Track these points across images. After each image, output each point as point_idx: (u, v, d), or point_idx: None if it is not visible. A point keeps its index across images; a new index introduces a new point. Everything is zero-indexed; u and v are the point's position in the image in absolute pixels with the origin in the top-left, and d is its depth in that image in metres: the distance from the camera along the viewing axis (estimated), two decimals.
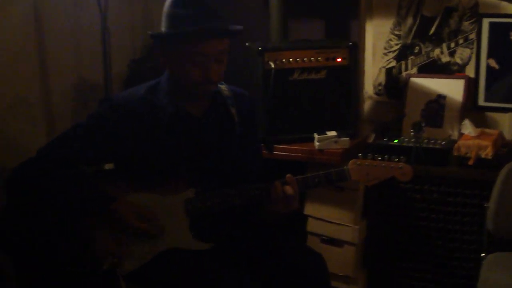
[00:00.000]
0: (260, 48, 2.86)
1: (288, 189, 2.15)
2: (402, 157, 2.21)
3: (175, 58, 2.12)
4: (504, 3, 2.96)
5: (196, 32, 2.06)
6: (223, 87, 2.28)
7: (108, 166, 2.33)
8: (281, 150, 2.89)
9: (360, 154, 2.21)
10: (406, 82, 3.17)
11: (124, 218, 2.07)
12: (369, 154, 2.21)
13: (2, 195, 2.23)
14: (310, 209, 2.99)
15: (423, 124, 2.84)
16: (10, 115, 2.69)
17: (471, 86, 3.03)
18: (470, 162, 2.68)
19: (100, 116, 2.17)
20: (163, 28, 2.13)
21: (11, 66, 2.67)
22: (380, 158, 2.21)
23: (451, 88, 3.06)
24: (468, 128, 2.81)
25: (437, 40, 3.12)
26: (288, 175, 2.19)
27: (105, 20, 2.84)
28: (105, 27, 2.84)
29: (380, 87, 3.29)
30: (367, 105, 3.32)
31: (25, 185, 2.11)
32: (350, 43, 2.95)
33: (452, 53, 3.11)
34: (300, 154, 2.88)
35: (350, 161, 2.21)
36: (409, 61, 3.21)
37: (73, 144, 2.13)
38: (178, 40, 2.09)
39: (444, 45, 3.11)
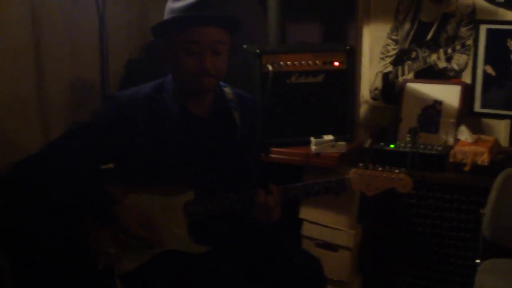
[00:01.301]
0: (258, 51, 2.86)
1: (270, 200, 2.13)
2: (403, 168, 2.20)
3: (172, 50, 2.12)
4: (502, 10, 2.97)
5: (187, 18, 2.07)
6: (227, 89, 2.28)
7: (106, 166, 2.31)
8: (278, 153, 2.89)
9: (361, 164, 2.21)
10: (403, 87, 3.17)
11: (126, 224, 2.07)
12: (370, 164, 2.21)
13: None
14: (305, 213, 2.99)
15: (419, 130, 2.85)
16: (5, 113, 2.66)
17: (467, 92, 3.04)
18: (467, 168, 2.69)
19: (105, 114, 2.17)
20: None
21: (7, 64, 2.65)
22: (381, 168, 2.20)
23: (448, 94, 3.06)
24: (464, 134, 2.82)
25: (434, 46, 3.13)
26: (271, 185, 2.17)
27: (103, 20, 2.82)
28: (103, 26, 2.83)
29: (376, 92, 3.29)
30: (363, 109, 3.32)
31: (27, 181, 2.10)
32: (348, 47, 2.96)
33: (449, 59, 3.12)
34: (297, 158, 2.87)
35: (352, 170, 2.20)
36: (406, 66, 3.21)
37: (76, 143, 2.12)
38: (172, 29, 2.10)
39: (441, 51, 3.12)
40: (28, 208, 2.14)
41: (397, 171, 2.19)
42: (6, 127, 2.67)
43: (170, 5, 2.15)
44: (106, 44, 2.86)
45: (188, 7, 2.09)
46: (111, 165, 2.26)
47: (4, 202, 2.18)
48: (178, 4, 2.12)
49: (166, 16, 2.15)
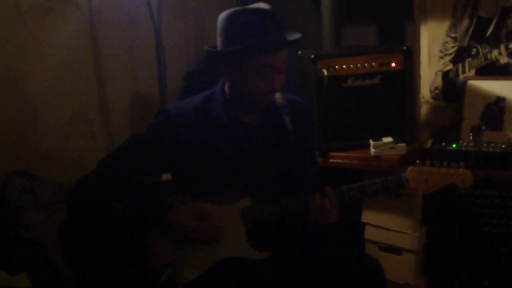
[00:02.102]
0: (312, 56, 2.86)
1: (326, 203, 2.13)
2: (461, 163, 2.16)
3: (240, 71, 2.12)
4: None
5: (262, 47, 2.07)
6: (276, 95, 2.29)
7: (166, 177, 2.37)
8: (337, 158, 2.88)
9: (418, 161, 2.17)
10: (464, 85, 3.11)
11: (181, 221, 2.11)
12: (427, 161, 2.17)
13: (64, 208, 2.29)
14: (367, 216, 2.97)
15: (483, 128, 2.78)
16: (70, 130, 2.76)
17: None
18: None
19: (157, 126, 2.21)
20: (220, 43, 2.13)
21: (70, 83, 2.75)
22: (438, 164, 2.16)
23: (511, 90, 2.98)
24: None
25: (494, 41, 3.05)
26: (327, 188, 2.16)
27: (159, 35, 2.89)
28: (159, 41, 2.89)
29: (437, 91, 3.24)
30: (424, 109, 3.27)
31: (87, 196, 2.17)
32: (405, 48, 2.92)
33: (510, 54, 3.04)
34: (356, 161, 2.86)
35: (408, 168, 2.17)
36: (466, 64, 3.15)
37: (131, 155, 2.18)
38: (244, 55, 2.08)
39: (502, 46, 3.04)
40: (91, 223, 2.21)
41: (455, 166, 2.15)
42: (72, 144, 2.77)
43: (228, 24, 2.08)
44: (163, 58, 2.92)
45: (261, 31, 2.05)
46: (169, 177, 2.31)
47: (70, 219, 2.26)
48: (245, 22, 2.06)
49: (223, 34, 2.10)
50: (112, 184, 2.15)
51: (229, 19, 2.10)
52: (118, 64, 2.98)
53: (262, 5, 2.11)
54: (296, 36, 2.15)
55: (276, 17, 2.09)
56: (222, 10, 2.14)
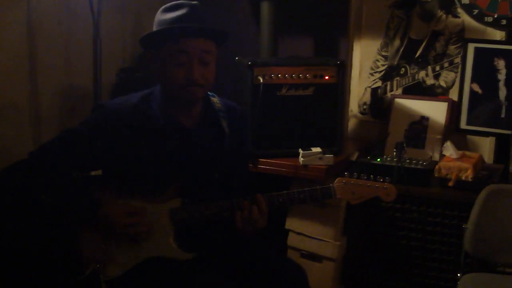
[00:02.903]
0: (249, 63, 2.90)
1: (254, 210, 2.15)
2: (387, 177, 2.24)
3: (160, 60, 2.16)
4: (490, 29, 3.03)
5: (175, 29, 2.11)
6: (215, 99, 2.31)
7: (95, 173, 2.35)
8: (266, 164, 2.93)
9: (346, 173, 2.24)
10: (391, 102, 3.22)
11: (111, 217, 2.09)
12: (355, 173, 2.24)
13: None
14: (291, 223, 3.02)
15: (405, 145, 2.89)
16: None
17: (454, 109, 3.09)
18: (451, 184, 2.73)
19: (93, 122, 2.19)
20: None
21: (1, 71, 2.68)
22: (365, 177, 2.23)
23: (435, 110, 3.12)
24: (449, 150, 2.86)
25: (423, 63, 3.19)
26: (257, 195, 2.18)
27: (98, 28, 2.86)
28: (98, 34, 2.86)
29: (365, 106, 3.34)
30: (351, 123, 3.37)
31: (14, 187, 2.12)
32: (339, 62, 3.00)
33: (437, 76, 3.17)
34: (285, 169, 2.91)
35: (336, 179, 2.23)
36: (395, 82, 3.27)
37: (65, 150, 2.14)
38: (161, 40, 2.14)
39: (430, 68, 3.18)
40: (18, 213, 2.16)
41: (381, 180, 2.23)
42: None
43: (159, 17, 2.19)
44: (100, 52, 2.89)
45: (177, 19, 2.13)
46: (99, 172, 2.29)
47: None
48: (167, 16, 2.16)
49: (155, 27, 2.19)
50: (42, 177, 2.10)
51: (158, 13, 2.20)
52: (52, 55, 2.92)
53: (190, 1, 2.18)
54: (211, 26, 2.16)
55: (198, 10, 2.16)
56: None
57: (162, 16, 2.18)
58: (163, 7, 2.20)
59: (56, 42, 2.95)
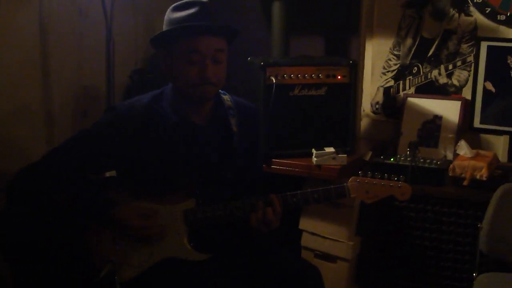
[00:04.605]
0: (262, 63, 2.90)
1: (269, 212, 2.14)
2: (402, 176, 2.23)
3: (173, 60, 2.16)
4: (503, 28, 3.02)
5: (187, 28, 2.11)
6: (226, 97, 2.30)
7: (110, 174, 2.35)
8: (279, 165, 2.93)
9: (360, 172, 2.23)
10: (404, 101, 3.21)
11: (125, 218, 2.09)
12: (369, 172, 2.23)
13: (2, 199, 2.24)
14: (305, 224, 3.02)
15: (419, 144, 2.88)
16: (13, 121, 2.70)
17: (467, 108, 3.08)
18: (465, 183, 2.72)
19: (106, 124, 2.19)
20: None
21: (15, 73, 2.69)
22: (379, 176, 2.22)
23: (448, 109, 3.11)
24: (463, 149, 2.85)
25: (435, 62, 3.18)
26: (271, 195, 2.18)
27: (110, 30, 2.87)
28: (110, 36, 2.87)
29: (377, 106, 3.33)
30: (364, 123, 3.36)
31: (28, 189, 2.12)
32: (351, 61, 3.00)
33: (449, 75, 3.16)
34: (298, 169, 2.91)
35: (350, 178, 2.22)
36: (407, 81, 3.26)
37: (78, 151, 2.15)
38: (173, 39, 2.14)
39: (442, 67, 3.17)
40: (31, 215, 2.16)
41: (395, 179, 2.22)
42: (13, 135, 2.71)
43: (170, 16, 2.19)
44: (113, 54, 2.90)
45: (189, 18, 2.13)
46: (114, 173, 2.29)
47: (8, 209, 2.20)
48: (178, 15, 2.16)
49: (166, 27, 2.19)
50: (56, 179, 2.11)
51: (168, 12, 2.20)
52: (65, 57, 2.93)
53: None
54: (224, 25, 2.17)
55: (209, 8, 2.16)
56: None
57: (172, 15, 2.18)
58: (173, 5, 2.20)
59: (69, 44, 2.95)
